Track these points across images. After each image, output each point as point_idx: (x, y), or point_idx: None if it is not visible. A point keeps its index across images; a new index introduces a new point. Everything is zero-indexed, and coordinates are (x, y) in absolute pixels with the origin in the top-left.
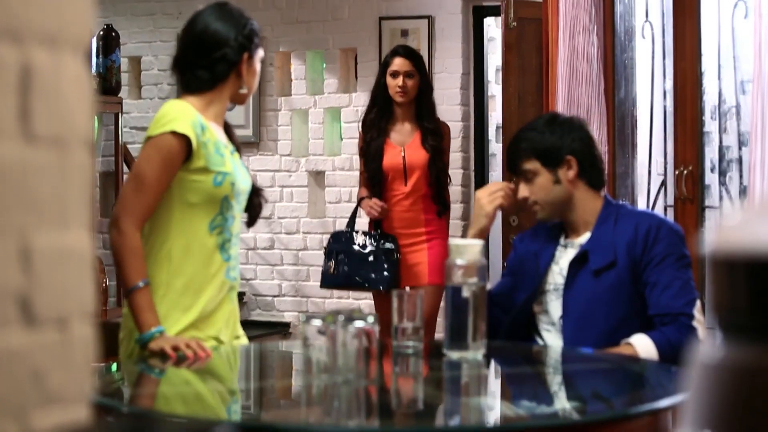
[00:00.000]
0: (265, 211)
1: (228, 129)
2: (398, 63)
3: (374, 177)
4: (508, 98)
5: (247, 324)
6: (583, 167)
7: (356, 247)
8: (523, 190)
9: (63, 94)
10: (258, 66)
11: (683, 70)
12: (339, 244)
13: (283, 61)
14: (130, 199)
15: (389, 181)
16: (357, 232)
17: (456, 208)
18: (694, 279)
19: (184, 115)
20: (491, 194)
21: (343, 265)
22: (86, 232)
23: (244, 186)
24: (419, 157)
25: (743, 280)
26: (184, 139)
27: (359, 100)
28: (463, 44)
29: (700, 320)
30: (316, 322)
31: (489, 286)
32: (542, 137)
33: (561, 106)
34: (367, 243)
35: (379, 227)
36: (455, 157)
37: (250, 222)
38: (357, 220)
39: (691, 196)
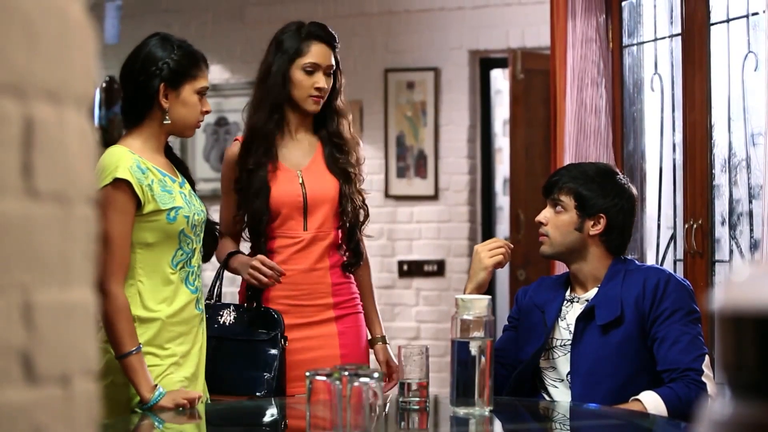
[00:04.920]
0: None
1: (179, 162)
2: (319, 53)
3: (258, 220)
4: (516, 151)
5: None
6: (609, 231)
7: (221, 331)
8: (544, 215)
9: (66, 149)
10: (190, 96)
11: (693, 122)
12: None
13: None
14: (104, 262)
15: (278, 224)
16: (223, 308)
17: (461, 262)
18: (704, 335)
19: (122, 161)
20: (491, 250)
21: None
22: (89, 288)
23: (198, 217)
24: (326, 185)
25: (751, 338)
26: (129, 184)
27: (365, 153)
28: (470, 96)
29: (709, 376)
30: (321, 377)
31: None
32: (590, 184)
33: (568, 159)
34: (238, 325)
35: (257, 299)
36: (461, 211)
37: (205, 258)
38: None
39: (700, 250)
